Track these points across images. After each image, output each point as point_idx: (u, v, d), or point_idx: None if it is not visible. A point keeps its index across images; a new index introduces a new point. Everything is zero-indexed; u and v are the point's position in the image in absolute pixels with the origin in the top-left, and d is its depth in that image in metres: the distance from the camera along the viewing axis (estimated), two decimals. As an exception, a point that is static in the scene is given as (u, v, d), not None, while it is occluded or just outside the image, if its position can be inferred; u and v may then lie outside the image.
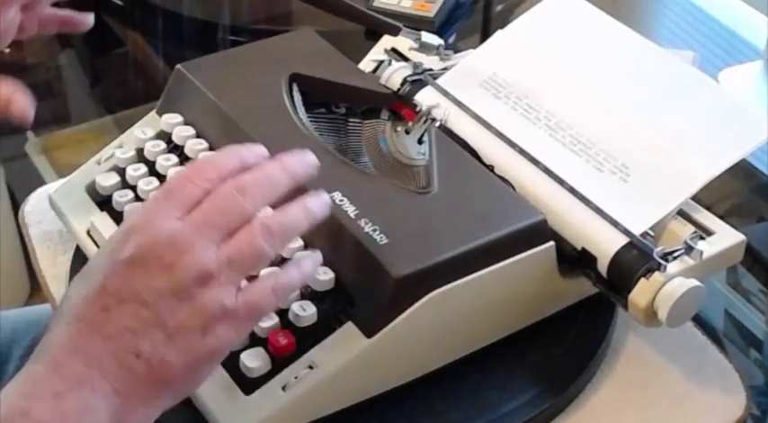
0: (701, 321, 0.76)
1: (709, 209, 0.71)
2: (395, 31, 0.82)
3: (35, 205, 0.86)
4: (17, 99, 0.69)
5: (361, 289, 0.64)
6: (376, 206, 0.66)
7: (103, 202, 0.77)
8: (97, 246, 0.75)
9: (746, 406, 0.70)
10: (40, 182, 0.88)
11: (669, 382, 0.71)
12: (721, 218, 0.71)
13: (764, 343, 0.86)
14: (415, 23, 0.84)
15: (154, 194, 0.58)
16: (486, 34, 1.20)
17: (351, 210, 0.66)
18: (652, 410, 0.69)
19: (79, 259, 0.77)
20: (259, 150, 0.60)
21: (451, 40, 1.14)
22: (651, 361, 0.72)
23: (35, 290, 1.64)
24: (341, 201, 0.67)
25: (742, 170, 0.71)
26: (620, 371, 0.72)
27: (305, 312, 0.64)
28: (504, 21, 1.22)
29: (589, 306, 0.73)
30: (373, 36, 0.89)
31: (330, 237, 0.66)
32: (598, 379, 0.71)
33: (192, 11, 1.25)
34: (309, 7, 0.82)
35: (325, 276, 0.64)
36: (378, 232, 0.64)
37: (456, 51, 0.85)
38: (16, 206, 1.44)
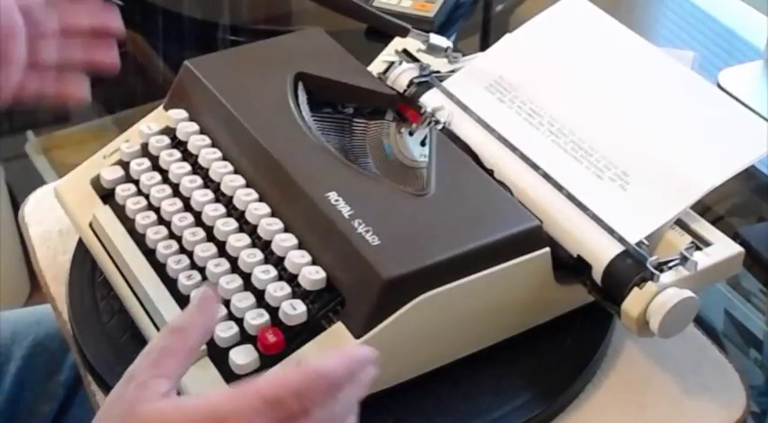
0: (701, 321, 0.76)
1: (709, 209, 0.71)
2: (403, 32, 0.82)
3: (35, 205, 0.86)
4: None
5: (352, 289, 0.64)
6: (371, 207, 0.66)
7: (107, 196, 0.77)
8: (99, 239, 0.75)
9: (746, 406, 0.70)
10: (40, 182, 0.88)
11: (669, 383, 0.71)
12: (721, 218, 0.71)
13: (764, 343, 0.86)
14: (415, 23, 0.84)
15: (261, 392, 0.52)
16: (486, 34, 1.20)
17: (345, 210, 0.66)
18: (652, 411, 0.69)
19: (80, 259, 0.78)
20: (368, 354, 0.55)
21: (451, 40, 1.14)
22: (651, 361, 0.72)
23: (35, 290, 1.64)
24: (336, 201, 0.67)
25: (742, 170, 0.71)
26: (620, 370, 0.72)
27: (295, 311, 0.64)
28: (504, 21, 1.22)
29: (587, 313, 0.72)
30: (374, 36, 0.89)
31: (323, 236, 0.66)
32: (599, 378, 0.71)
33: (192, 11, 1.25)
34: (309, 7, 0.83)
35: (317, 276, 0.64)
36: (370, 233, 0.64)
37: (463, 54, 0.85)
38: (16, 206, 1.44)
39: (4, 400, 0.86)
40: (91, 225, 0.76)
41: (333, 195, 0.67)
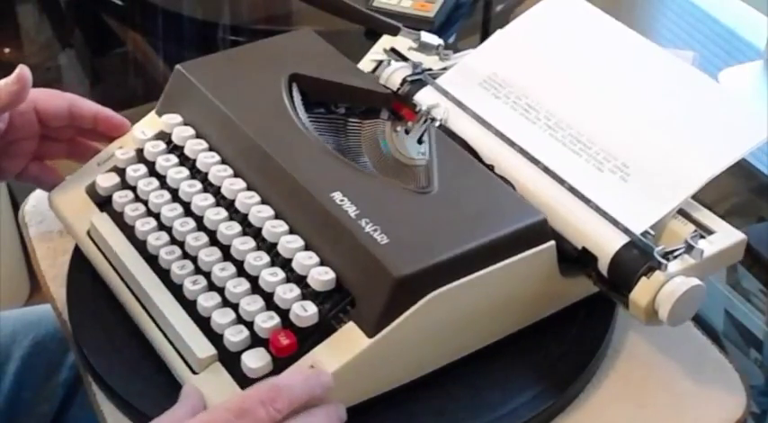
0: (701, 321, 0.76)
1: (709, 209, 0.71)
2: (394, 31, 0.82)
3: (35, 205, 0.86)
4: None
5: (362, 289, 0.64)
6: (376, 206, 0.66)
7: (103, 203, 0.77)
8: (97, 246, 0.75)
9: (746, 406, 0.70)
10: (40, 182, 0.88)
11: (669, 382, 0.71)
12: (721, 218, 0.71)
13: (764, 343, 0.86)
14: (415, 23, 0.84)
15: (226, 405, 0.60)
16: (486, 34, 1.20)
17: (351, 210, 0.66)
18: (652, 410, 0.69)
19: (79, 259, 0.77)
20: (326, 381, 0.62)
21: (451, 40, 1.14)
22: (651, 360, 0.72)
23: (35, 290, 1.64)
24: (341, 201, 0.67)
25: (742, 170, 0.71)
26: (621, 370, 0.72)
27: (306, 313, 0.64)
28: (504, 21, 1.22)
29: (589, 305, 0.73)
30: (373, 36, 0.89)
31: (331, 237, 0.66)
32: (598, 378, 0.71)
33: (192, 11, 1.25)
34: (309, 7, 0.83)
35: (327, 276, 0.64)
36: (378, 232, 0.64)
37: (455, 51, 0.85)
38: (16, 206, 1.44)
39: (4, 400, 0.86)
40: (89, 233, 0.76)
41: (338, 195, 0.67)
